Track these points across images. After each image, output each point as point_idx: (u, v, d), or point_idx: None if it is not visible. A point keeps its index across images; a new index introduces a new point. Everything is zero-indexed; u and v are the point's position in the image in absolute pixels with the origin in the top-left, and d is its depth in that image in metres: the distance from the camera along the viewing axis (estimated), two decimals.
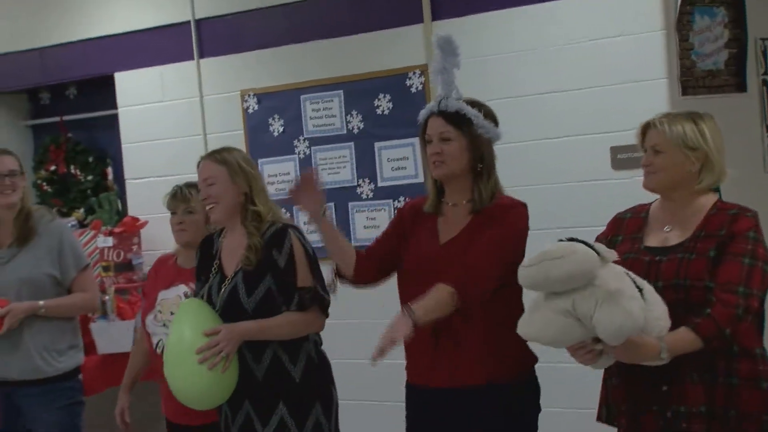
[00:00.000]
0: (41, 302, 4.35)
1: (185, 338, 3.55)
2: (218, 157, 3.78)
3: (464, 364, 3.31)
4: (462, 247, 3.36)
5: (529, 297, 3.18)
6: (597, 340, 2.96)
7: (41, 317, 4.35)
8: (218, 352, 3.50)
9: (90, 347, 5.63)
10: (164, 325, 4.15)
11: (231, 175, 3.74)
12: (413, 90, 5.59)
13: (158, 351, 4.18)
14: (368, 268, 3.55)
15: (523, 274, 2.97)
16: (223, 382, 3.55)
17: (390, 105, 5.67)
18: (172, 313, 4.09)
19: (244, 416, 3.63)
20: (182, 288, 4.16)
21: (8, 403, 4.38)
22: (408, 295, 3.37)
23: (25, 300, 4.33)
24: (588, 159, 5.23)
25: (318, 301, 3.66)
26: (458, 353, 3.32)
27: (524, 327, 3.03)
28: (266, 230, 3.70)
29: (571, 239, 3.00)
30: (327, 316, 3.72)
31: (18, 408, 4.39)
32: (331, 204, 5.89)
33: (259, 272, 3.66)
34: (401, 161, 5.66)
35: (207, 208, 3.76)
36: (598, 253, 2.95)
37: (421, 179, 5.57)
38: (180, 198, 4.19)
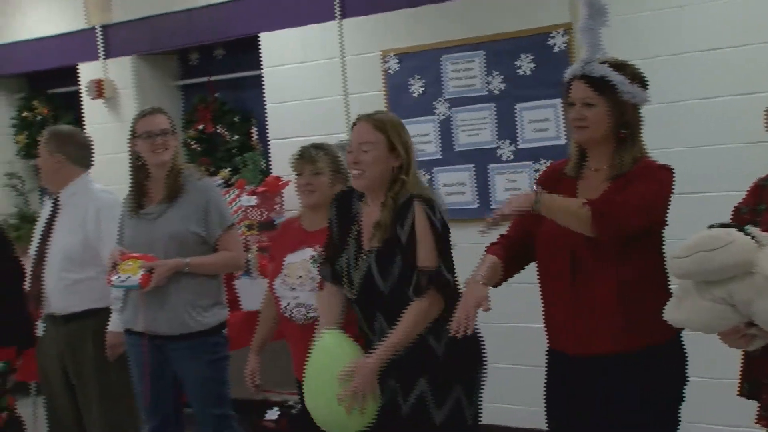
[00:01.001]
0: (187, 259, 4.37)
1: (325, 378, 3.50)
2: (378, 122, 3.57)
3: (599, 331, 3.19)
4: None
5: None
6: (750, 324, 2.84)
7: (187, 274, 4.38)
8: (359, 396, 3.44)
9: (234, 303, 5.72)
10: (292, 288, 4.13)
11: (389, 145, 3.56)
12: (556, 50, 5.47)
13: (287, 315, 4.19)
14: (515, 265, 3.42)
15: (676, 264, 2.84)
16: (364, 418, 3.51)
17: (532, 65, 5.56)
18: (299, 277, 4.07)
19: (390, 388, 3.57)
20: (308, 251, 4.11)
21: (159, 355, 4.48)
22: (545, 259, 3.32)
23: (172, 256, 4.37)
24: (742, 120, 5.01)
25: (436, 283, 3.45)
26: (594, 319, 3.20)
27: (672, 313, 2.92)
28: (399, 204, 3.51)
29: (724, 224, 2.86)
30: (447, 298, 3.46)
31: (168, 359, 4.47)
32: (470, 166, 5.83)
33: (390, 252, 3.49)
34: (543, 122, 5.54)
35: (352, 172, 3.58)
36: (754, 238, 2.82)
37: (562, 141, 5.46)
38: (307, 159, 4.12)
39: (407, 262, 3.46)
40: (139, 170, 4.54)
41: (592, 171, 3.34)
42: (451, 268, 3.50)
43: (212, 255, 4.47)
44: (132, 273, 4.32)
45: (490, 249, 3.41)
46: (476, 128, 5.76)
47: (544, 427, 3.45)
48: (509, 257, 3.38)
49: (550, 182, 3.39)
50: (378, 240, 3.51)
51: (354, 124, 3.66)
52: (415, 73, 5.97)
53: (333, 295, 3.70)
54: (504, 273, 3.36)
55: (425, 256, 3.46)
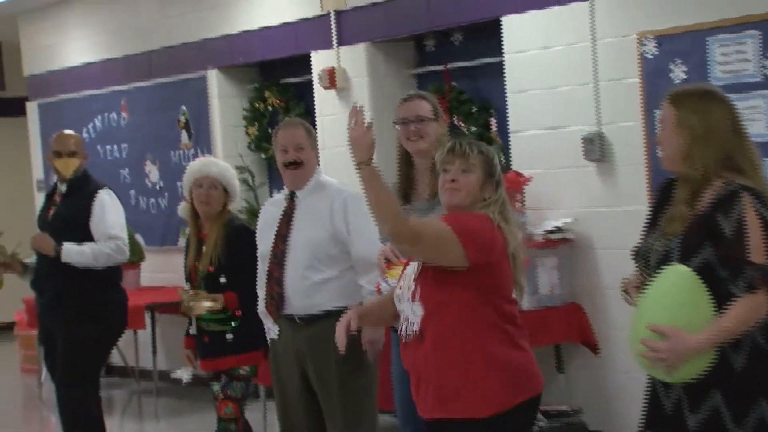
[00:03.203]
0: None
1: (647, 312, 3.26)
2: (673, 96, 3.38)
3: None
4: None
5: None
6: None
7: None
8: (657, 358, 3.21)
9: None
10: (400, 302, 3.72)
11: (678, 119, 3.34)
12: None
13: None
14: None
15: None
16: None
17: None
18: (401, 287, 3.71)
19: (676, 394, 3.33)
20: None
21: None
22: None
23: None
24: None
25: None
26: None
27: None
28: (719, 191, 3.31)
29: None
30: None
31: None
32: None
33: (699, 239, 3.27)
34: None
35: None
36: None
37: None
38: (458, 153, 3.67)
39: (725, 255, 3.24)
40: (404, 160, 4.54)
41: None
42: None
43: None
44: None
45: None
46: (749, 119, 5.26)
47: None
48: None
49: None
50: (679, 225, 3.32)
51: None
52: (676, 58, 5.69)
53: None
54: None
55: (757, 251, 3.22)
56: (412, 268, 3.65)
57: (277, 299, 4.70)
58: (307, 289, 4.66)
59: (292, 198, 4.77)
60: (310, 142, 4.73)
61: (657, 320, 3.20)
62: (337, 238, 4.65)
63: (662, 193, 3.47)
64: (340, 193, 4.69)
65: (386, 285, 4.21)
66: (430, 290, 3.50)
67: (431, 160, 4.19)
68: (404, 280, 3.66)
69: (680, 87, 3.51)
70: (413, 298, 3.55)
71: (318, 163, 4.84)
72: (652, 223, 3.46)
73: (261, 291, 4.79)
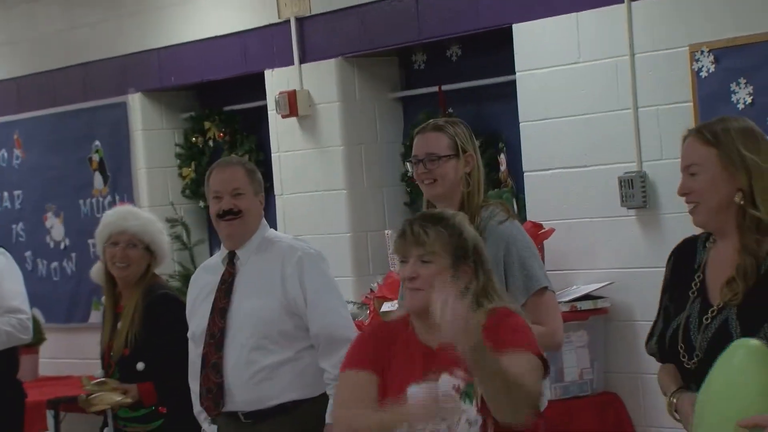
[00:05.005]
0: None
1: (726, 405, 3.32)
2: (708, 134, 3.62)
3: None
4: None
5: None
6: None
7: None
8: None
9: None
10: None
11: (723, 161, 3.56)
12: None
13: None
14: None
15: None
16: None
17: None
18: None
19: None
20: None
21: None
22: None
23: None
24: None
25: None
26: None
27: None
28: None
29: None
30: None
31: None
32: None
33: (762, 307, 3.43)
34: None
35: (689, 208, 3.66)
36: None
37: None
38: (411, 240, 3.76)
39: None
40: (428, 207, 4.58)
41: None
42: None
43: None
44: None
45: None
46: None
47: None
48: None
49: None
50: (736, 288, 3.49)
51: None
52: (739, 76, 5.79)
53: None
54: None
55: None
56: (450, 383, 3.72)
57: (215, 392, 4.72)
58: (253, 376, 4.68)
59: (231, 260, 4.81)
60: (252, 187, 4.77)
61: (744, 412, 3.26)
62: (291, 309, 4.69)
63: (684, 257, 3.67)
64: (294, 252, 4.74)
65: None
66: None
67: (455, 208, 4.36)
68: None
69: (704, 123, 3.73)
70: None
71: (262, 214, 4.87)
72: (677, 297, 3.62)
73: (194, 383, 4.81)
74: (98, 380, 5.11)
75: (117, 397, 5.05)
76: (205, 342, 4.74)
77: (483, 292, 3.76)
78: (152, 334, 5.09)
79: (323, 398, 4.65)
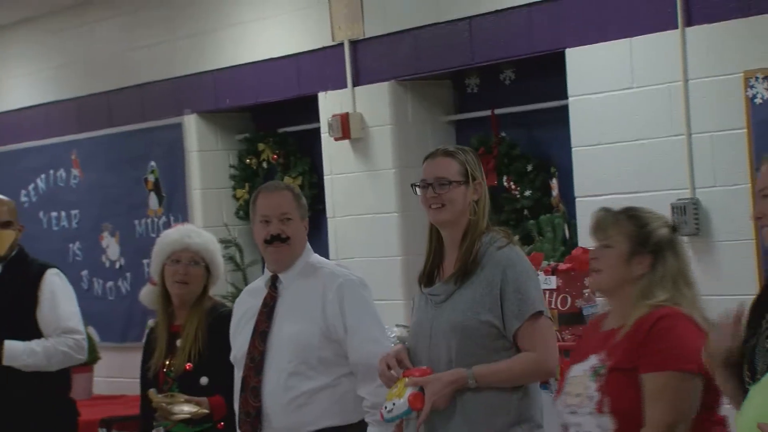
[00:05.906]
0: (471, 370, 4.31)
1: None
2: None
3: None
4: None
5: None
6: None
7: (474, 390, 4.34)
8: None
9: None
10: (573, 412, 4.00)
11: None
12: None
13: None
14: None
15: None
16: None
17: None
18: (577, 395, 4.00)
19: None
20: (593, 360, 4.01)
21: None
22: None
23: (454, 356, 4.36)
24: None
25: None
26: None
27: None
28: None
29: None
30: None
31: None
32: None
33: None
34: None
35: (763, 232, 3.63)
36: None
37: None
38: (601, 225, 4.01)
39: None
40: (434, 232, 4.54)
41: None
42: None
43: (508, 360, 4.37)
44: (398, 396, 4.29)
45: None
46: None
47: None
48: None
49: None
50: None
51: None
52: None
53: None
54: None
55: None
56: (584, 367, 3.99)
57: (253, 416, 4.72)
58: (291, 402, 4.68)
59: (274, 284, 4.81)
60: (299, 212, 4.78)
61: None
62: (330, 336, 4.69)
63: None
64: (335, 279, 4.73)
65: (385, 409, 4.28)
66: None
67: (459, 234, 4.38)
68: (576, 386, 3.96)
69: None
70: (599, 409, 3.84)
71: (306, 239, 4.86)
72: (752, 321, 3.58)
73: (234, 404, 4.82)
74: (167, 394, 5.11)
75: (192, 408, 5.07)
76: (245, 365, 4.75)
77: (659, 283, 3.91)
78: (217, 350, 5.06)
79: (361, 425, 4.64)
